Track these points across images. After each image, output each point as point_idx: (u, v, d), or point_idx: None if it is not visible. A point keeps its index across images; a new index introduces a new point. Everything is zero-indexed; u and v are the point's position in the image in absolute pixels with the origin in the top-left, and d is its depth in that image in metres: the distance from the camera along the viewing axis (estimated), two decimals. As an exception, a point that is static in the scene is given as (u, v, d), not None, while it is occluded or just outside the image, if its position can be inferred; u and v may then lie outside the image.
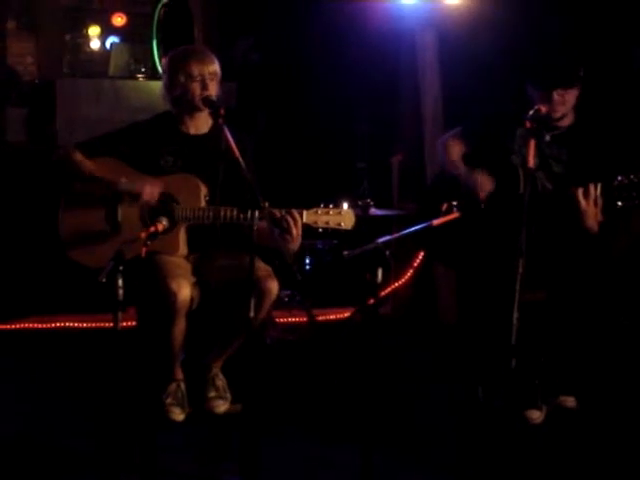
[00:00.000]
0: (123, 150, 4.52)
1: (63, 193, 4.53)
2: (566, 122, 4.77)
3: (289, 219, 4.19)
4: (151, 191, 4.41)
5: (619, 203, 4.22)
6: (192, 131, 4.59)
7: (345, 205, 4.35)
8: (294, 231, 4.20)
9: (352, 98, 7.32)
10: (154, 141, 4.54)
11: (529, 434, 4.55)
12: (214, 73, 4.51)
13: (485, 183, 4.73)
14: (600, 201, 4.49)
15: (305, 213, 4.27)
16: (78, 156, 4.51)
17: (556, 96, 4.64)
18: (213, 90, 4.48)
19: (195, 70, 4.47)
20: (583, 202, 4.46)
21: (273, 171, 4.77)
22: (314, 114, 7.57)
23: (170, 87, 4.53)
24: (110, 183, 4.44)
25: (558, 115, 4.69)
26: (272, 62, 7.99)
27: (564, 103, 4.67)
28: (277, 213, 4.18)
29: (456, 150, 4.94)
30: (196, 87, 4.47)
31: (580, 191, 4.47)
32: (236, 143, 4.18)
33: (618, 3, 5.95)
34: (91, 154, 4.51)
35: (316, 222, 4.28)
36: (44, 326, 6.71)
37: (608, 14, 6.01)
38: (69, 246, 4.50)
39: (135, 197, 4.41)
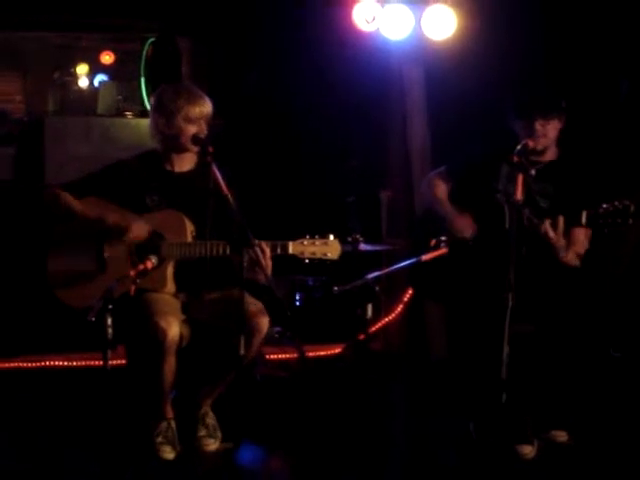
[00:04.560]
0: (108, 189, 4.52)
1: (50, 233, 4.52)
2: (549, 156, 4.77)
3: (257, 250, 4.17)
4: (138, 228, 4.40)
5: (605, 230, 4.23)
6: (176, 169, 4.60)
7: (331, 236, 4.35)
8: (263, 262, 4.19)
9: (341, 133, 7.33)
10: (139, 179, 4.54)
11: (521, 469, 4.53)
12: (208, 115, 4.53)
13: (468, 226, 4.75)
14: (588, 231, 4.51)
15: (291, 244, 4.28)
16: (67, 197, 4.50)
17: (538, 126, 4.64)
18: (204, 130, 4.50)
19: (194, 113, 4.48)
20: (552, 234, 4.46)
21: (260, 205, 4.76)
22: (302, 149, 7.57)
23: (166, 127, 4.52)
24: (99, 219, 4.43)
25: (539, 147, 4.67)
26: (261, 96, 7.99)
27: (546, 134, 4.66)
28: None
29: (441, 189, 4.96)
30: (191, 129, 4.48)
31: (547, 223, 4.47)
32: (223, 179, 4.17)
33: (604, 35, 5.98)
34: (77, 195, 4.51)
35: (302, 253, 4.29)
36: (33, 365, 6.66)
37: (594, 46, 6.04)
38: (56, 286, 4.48)
39: (122, 233, 4.40)
